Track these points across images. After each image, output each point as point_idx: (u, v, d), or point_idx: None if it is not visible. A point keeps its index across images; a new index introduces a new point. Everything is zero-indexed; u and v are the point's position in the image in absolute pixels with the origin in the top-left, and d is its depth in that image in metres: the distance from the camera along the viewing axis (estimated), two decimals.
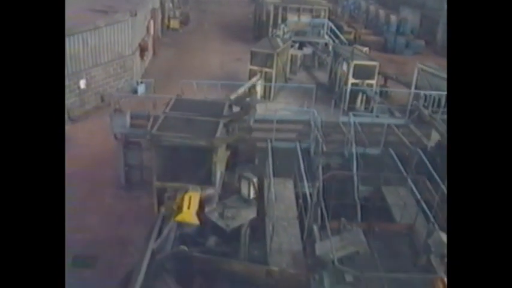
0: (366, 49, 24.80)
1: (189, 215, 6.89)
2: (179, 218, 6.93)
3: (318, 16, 28.41)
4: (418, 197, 8.70)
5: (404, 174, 10.08)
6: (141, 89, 19.49)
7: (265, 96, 19.50)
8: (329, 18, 28.71)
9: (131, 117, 12.92)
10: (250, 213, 7.16)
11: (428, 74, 18.86)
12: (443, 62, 23.77)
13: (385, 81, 21.50)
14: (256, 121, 12.79)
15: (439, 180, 9.62)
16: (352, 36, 30.18)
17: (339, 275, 6.49)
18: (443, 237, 6.54)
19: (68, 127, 16.73)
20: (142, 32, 22.38)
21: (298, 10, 28.27)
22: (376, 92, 18.43)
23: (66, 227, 11.54)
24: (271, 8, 29.06)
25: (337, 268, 6.40)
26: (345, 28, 30.75)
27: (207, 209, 7.12)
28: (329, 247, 6.33)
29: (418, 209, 8.30)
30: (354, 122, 12.34)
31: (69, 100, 17.03)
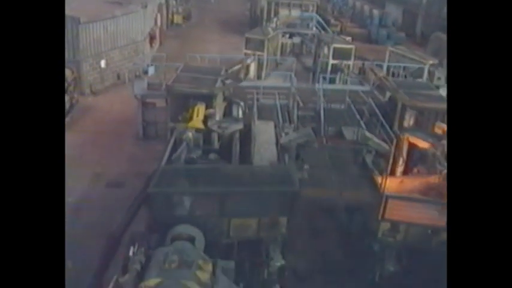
0: (349, 39, 28.01)
1: (198, 121, 9.99)
2: (190, 124, 10.02)
3: (307, 10, 31.68)
4: (363, 126, 11.81)
5: (358, 117, 13.22)
6: (151, 70, 22.67)
7: (258, 76, 22.64)
8: (317, 13, 31.98)
9: (148, 84, 16.13)
10: (239, 126, 10.26)
11: (397, 55, 22.05)
12: (421, 50, 27.07)
13: (363, 63, 24.75)
14: (247, 87, 16.04)
15: (382, 119, 12.80)
16: (338, 29, 33.37)
17: (299, 164, 9.61)
18: (367, 134, 9.67)
19: (91, 99, 19.97)
20: (151, 22, 25.65)
21: (289, 5, 31.53)
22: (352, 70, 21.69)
23: (100, 170, 14.54)
24: (265, 4, 32.35)
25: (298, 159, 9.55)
26: (332, 21, 33.97)
27: (209, 123, 10.22)
28: (289, 137, 9.46)
29: (360, 129, 11.42)
30: (326, 88, 15.60)
31: (92, 76, 20.26)
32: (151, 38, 25.00)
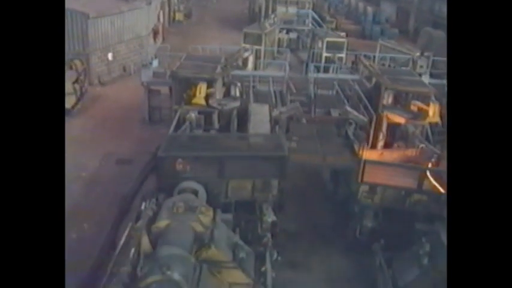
0: (343, 34, 29.34)
1: (200, 98, 11.31)
2: (194, 101, 11.35)
3: (304, 8, 33.08)
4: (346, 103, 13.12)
5: (343, 98, 14.52)
6: (155, 63, 24.01)
7: (256, 68, 23.96)
8: (314, 10, 33.38)
9: (153, 73, 17.48)
10: (236, 103, 11.59)
11: (387, 48, 23.42)
12: (413, 45, 28.41)
13: (356, 56, 26.09)
14: (245, 76, 17.38)
15: (366, 101, 14.06)
16: (333, 25, 34.69)
17: (289, 136, 10.93)
18: (348, 108, 10.99)
19: (99, 89, 21.33)
20: (154, 19, 27.03)
21: (286, 3, 32.90)
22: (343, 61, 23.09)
23: (110, 150, 16.04)
24: (263, 1, 33.75)
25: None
26: (328, 18, 35.31)
27: (210, 100, 11.54)
28: (279, 110, 10.80)
29: (345, 109, 12.74)
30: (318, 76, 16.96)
31: (100, 68, 21.64)
32: (155, 34, 26.40)
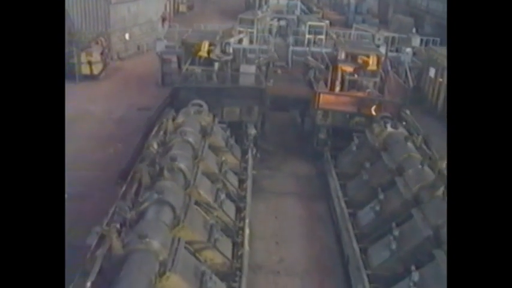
0: (327, 22, 33.70)
1: (204, 52, 15.62)
2: (199, 53, 15.66)
3: None
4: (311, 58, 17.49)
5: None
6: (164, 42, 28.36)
7: None
8: (302, 2, 37.76)
9: (165, 46, 21.83)
10: (230, 57, 15.92)
11: (360, 30, 27.80)
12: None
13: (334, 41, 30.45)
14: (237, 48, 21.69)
15: (327, 60, 18.34)
16: (320, 16, 38.98)
17: (267, 80, 15.27)
18: (309, 58, 15.30)
19: (119, 63, 25.71)
20: (162, 7, 31.40)
21: None
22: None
23: (132, 102, 20.68)
24: None
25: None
26: (315, 9, 39.65)
27: (211, 55, 15.85)
28: (260, 58, 15.17)
29: (306, 58, 17.05)
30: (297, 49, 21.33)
31: (119, 46, 26.03)
32: (163, 20, 30.78)
